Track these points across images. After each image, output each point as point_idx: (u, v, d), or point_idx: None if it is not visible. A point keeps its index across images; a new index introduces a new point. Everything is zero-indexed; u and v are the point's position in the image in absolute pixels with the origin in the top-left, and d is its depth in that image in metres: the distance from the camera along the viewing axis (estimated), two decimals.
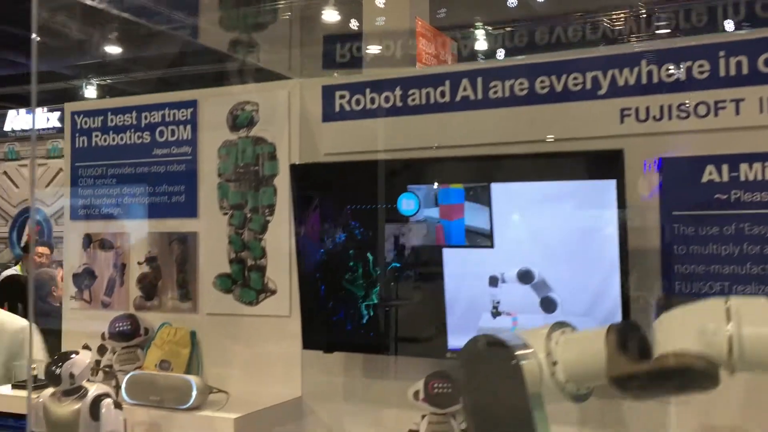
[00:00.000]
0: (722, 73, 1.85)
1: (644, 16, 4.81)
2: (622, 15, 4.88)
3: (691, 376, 1.20)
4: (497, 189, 1.91)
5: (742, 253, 1.82)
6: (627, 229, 1.79)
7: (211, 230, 2.51)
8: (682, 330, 1.24)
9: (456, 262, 1.98)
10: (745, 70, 1.82)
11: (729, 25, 4.47)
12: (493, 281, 1.94)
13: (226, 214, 2.48)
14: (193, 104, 2.55)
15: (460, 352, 1.44)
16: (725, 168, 1.85)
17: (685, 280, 1.87)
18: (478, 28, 4.71)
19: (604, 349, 1.30)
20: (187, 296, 2.54)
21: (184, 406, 2.13)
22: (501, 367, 1.38)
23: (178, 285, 2.56)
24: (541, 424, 1.37)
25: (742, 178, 1.83)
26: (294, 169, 2.20)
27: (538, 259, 1.90)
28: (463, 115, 2.13)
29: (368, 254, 2.09)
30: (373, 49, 2.83)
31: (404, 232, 2.03)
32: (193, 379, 2.17)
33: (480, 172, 1.95)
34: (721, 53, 1.85)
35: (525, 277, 1.87)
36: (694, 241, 1.86)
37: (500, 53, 4.72)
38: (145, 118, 2.63)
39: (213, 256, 2.49)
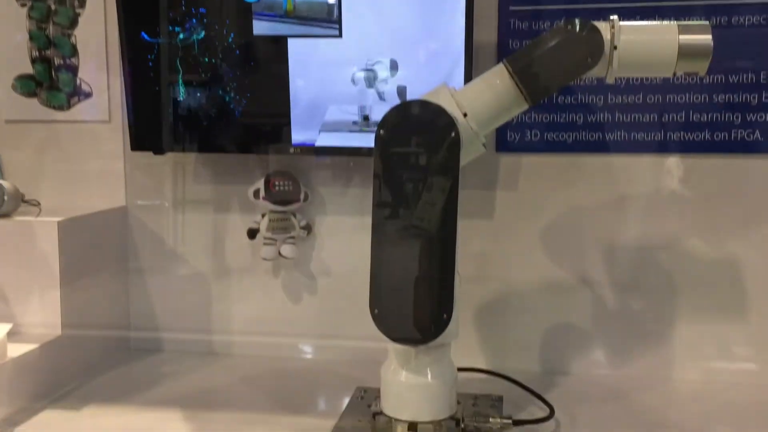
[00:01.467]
0: None
1: None
2: None
3: (576, 26, 1.40)
4: None
5: None
6: (473, 18, 1.83)
7: (5, 24, 2.17)
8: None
9: (301, 52, 1.91)
10: None
11: None
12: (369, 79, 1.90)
13: (24, 5, 2.15)
14: None
15: (388, 114, 1.41)
16: None
17: None
18: None
19: (501, 66, 1.43)
20: None
21: None
22: (433, 123, 1.38)
23: None
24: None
25: None
26: None
27: (387, 50, 1.88)
28: None
29: (206, 43, 1.94)
30: None
31: (247, 17, 1.90)
32: (1, 182, 1.93)
33: None
34: None
35: (393, 67, 1.87)
36: (529, 36, 1.96)
37: None
38: None
39: (10, 55, 2.17)
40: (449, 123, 1.38)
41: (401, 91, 1.88)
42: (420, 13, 1.87)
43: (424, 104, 1.40)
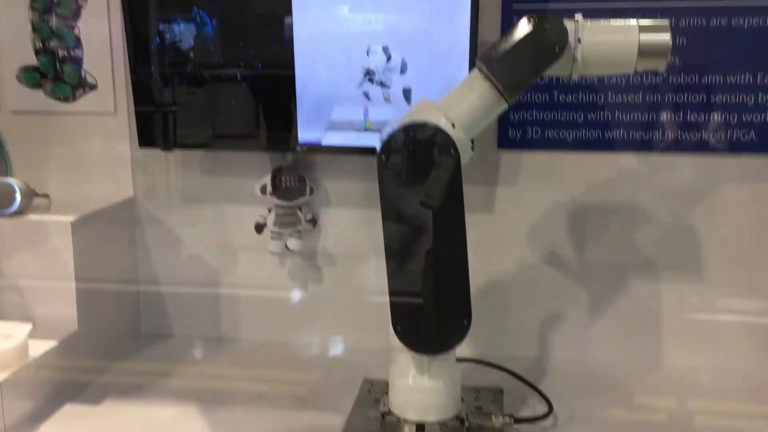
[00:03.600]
0: None
1: None
2: None
3: (540, 20, 1.47)
4: None
5: None
6: (478, 19, 1.85)
7: (7, 16, 2.16)
8: None
9: (308, 49, 1.93)
10: None
11: None
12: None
13: None
14: None
15: (382, 146, 1.46)
16: None
17: None
18: None
19: (475, 72, 1.49)
20: None
21: (7, 212, 1.95)
22: (434, 147, 1.43)
23: None
24: None
25: None
26: None
27: (395, 49, 1.90)
28: None
29: (213, 38, 1.95)
30: None
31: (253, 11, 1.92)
32: (12, 181, 1.97)
33: None
34: None
35: (403, 69, 1.89)
36: None
37: None
38: None
39: (14, 46, 2.17)
40: (448, 142, 1.43)
41: (407, 93, 1.91)
42: (426, 13, 1.88)
43: (420, 127, 1.45)
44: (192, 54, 1.97)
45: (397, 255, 1.49)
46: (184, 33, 1.96)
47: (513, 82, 1.48)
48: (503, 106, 1.52)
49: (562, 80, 1.98)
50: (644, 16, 1.88)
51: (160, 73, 2.00)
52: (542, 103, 2.01)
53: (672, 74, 1.93)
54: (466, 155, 1.50)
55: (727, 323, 2.03)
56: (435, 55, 1.89)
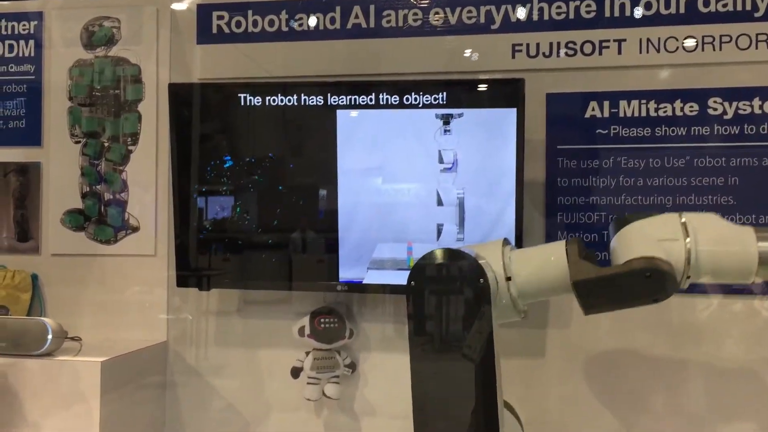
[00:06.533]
0: (607, 13, 1.95)
1: None
2: None
3: (657, 278, 1.27)
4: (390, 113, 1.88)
5: (618, 185, 1.94)
6: (524, 159, 1.83)
7: (58, 160, 2.22)
8: (643, 241, 1.30)
9: (351, 188, 1.92)
10: (627, 12, 1.93)
11: None
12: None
13: (78, 142, 2.21)
14: (37, 16, 2.24)
15: (417, 265, 1.38)
16: (606, 104, 1.95)
17: (566, 211, 1.96)
18: None
19: (563, 260, 1.34)
20: (27, 235, 2.24)
21: (37, 352, 1.88)
22: (464, 280, 1.34)
23: (16, 222, 2.24)
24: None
25: (621, 115, 1.94)
26: (173, 89, 1.99)
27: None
28: (354, 43, 2.06)
29: (254, 184, 1.96)
30: None
31: (296, 157, 1.94)
32: (47, 321, 1.91)
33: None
34: None
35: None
36: (576, 174, 1.96)
37: None
38: None
39: (61, 190, 2.21)
40: (477, 272, 1.34)
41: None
42: (472, 150, 1.87)
43: (450, 253, 1.37)
44: (238, 197, 1.97)
45: (421, 372, 1.40)
46: (230, 177, 1.97)
47: (591, 305, 1.34)
48: (570, 293, 1.35)
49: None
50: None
51: (203, 215, 1.99)
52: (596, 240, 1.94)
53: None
54: (508, 312, 1.39)
55: None
56: (482, 195, 1.86)
